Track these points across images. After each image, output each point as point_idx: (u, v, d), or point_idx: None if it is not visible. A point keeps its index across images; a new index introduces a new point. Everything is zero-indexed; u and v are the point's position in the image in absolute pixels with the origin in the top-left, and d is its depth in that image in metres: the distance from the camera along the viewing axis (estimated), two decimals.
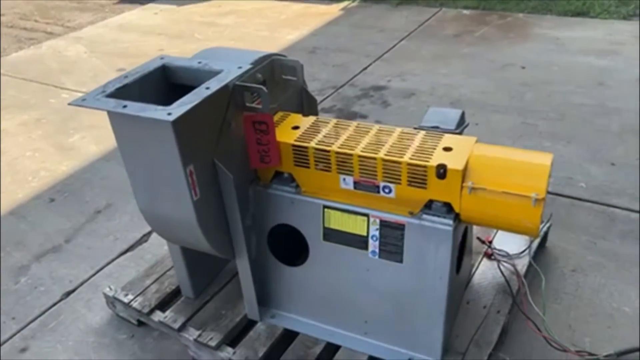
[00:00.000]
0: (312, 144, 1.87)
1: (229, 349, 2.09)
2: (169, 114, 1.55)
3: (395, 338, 2.01)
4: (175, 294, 2.38)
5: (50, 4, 7.81)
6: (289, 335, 2.14)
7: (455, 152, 1.77)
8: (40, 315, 2.54)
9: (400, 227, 1.82)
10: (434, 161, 1.72)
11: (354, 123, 2.00)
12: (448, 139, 1.85)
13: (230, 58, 1.92)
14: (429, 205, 1.79)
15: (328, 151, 1.84)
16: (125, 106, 1.62)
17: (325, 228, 1.96)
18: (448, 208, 1.77)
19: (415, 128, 1.97)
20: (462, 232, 1.94)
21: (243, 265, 2.05)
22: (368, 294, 1.99)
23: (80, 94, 2.19)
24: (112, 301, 2.43)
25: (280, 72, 2.06)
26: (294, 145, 1.89)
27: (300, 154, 1.90)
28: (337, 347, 2.06)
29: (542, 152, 1.85)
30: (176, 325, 2.20)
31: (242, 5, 6.95)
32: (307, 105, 2.27)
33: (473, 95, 4.17)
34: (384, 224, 1.85)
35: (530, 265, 2.37)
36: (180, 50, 5.40)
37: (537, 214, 1.67)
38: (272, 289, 2.18)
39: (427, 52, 5.03)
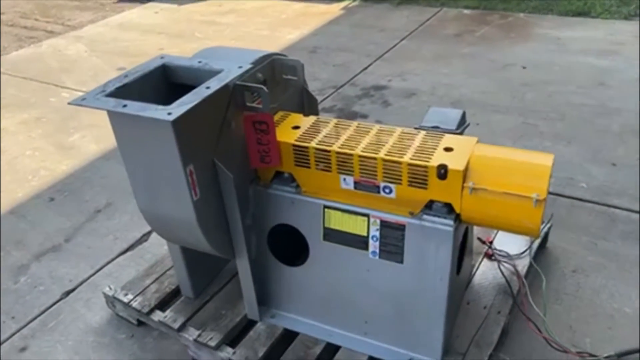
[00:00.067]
0: (313, 144, 1.87)
1: (229, 349, 2.09)
2: (169, 113, 1.55)
3: (395, 338, 2.00)
4: (175, 293, 2.38)
5: (50, 3, 7.81)
6: (289, 336, 2.14)
7: (456, 153, 1.76)
8: (39, 315, 2.54)
9: (401, 228, 1.82)
10: (434, 161, 1.72)
11: (355, 123, 2.00)
12: (449, 139, 1.85)
13: (231, 57, 1.92)
14: (429, 206, 1.79)
15: (328, 151, 1.84)
16: (125, 106, 1.62)
17: (325, 228, 1.95)
18: (449, 208, 1.76)
19: (415, 128, 1.97)
20: (462, 233, 1.94)
21: (243, 265, 2.05)
22: (368, 295, 1.99)
23: (80, 93, 2.20)
24: (111, 301, 2.43)
25: (280, 71, 2.05)
26: (294, 145, 1.89)
27: (300, 154, 1.89)
28: (337, 348, 2.06)
29: (543, 152, 1.85)
30: (176, 325, 2.19)
31: (243, 4, 6.95)
32: (307, 105, 2.27)
33: (474, 95, 4.17)
34: (384, 224, 1.85)
35: (530, 266, 2.37)
36: (181, 50, 5.40)
37: (538, 214, 1.67)
38: (272, 289, 2.18)
39: (427, 51, 5.03)
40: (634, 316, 2.25)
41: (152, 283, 2.43)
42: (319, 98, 3.82)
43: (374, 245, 1.89)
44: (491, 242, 2.43)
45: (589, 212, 2.86)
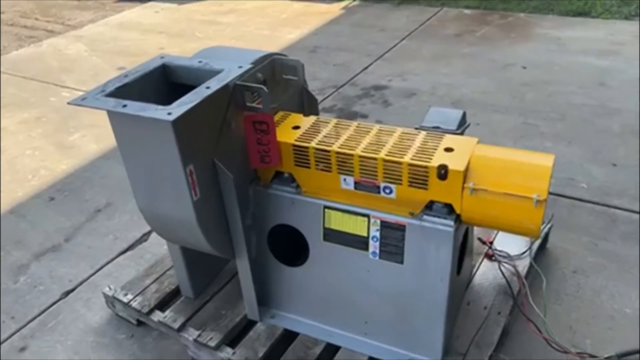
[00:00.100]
0: (313, 144, 1.86)
1: (229, 349, 2.09)
2: (169, 113, 1.54)
3: (395, 339, 2.00)
4: (174, 293, 2.38)
5: (50, 2, 7.80)
6: (289, 336, 2.13)
7: (457, 153, 1.76)
8: (39, 315, 2.54)
9: (401, 228, 1.82)
10: (435, 162, 1.71)
11: (355, 123, 1.99)
12: (449, 140, 1.84)
13: (231, 57, 1.91)
14: (429, 206, 1.78)
15: (328, 151, 1.84)
16: (125, 106, 1.61)
17: (325, 228, 1.95)
18: (449, 209, 1.76)
19: (416, 128, 1.97)
20: (463, 233, 1.93)
21: (243, 265, 2.05)
22: (368, 295, 1.98)
23: (80, 93, 2.19)
24: (111, 301, 2.42)
25: (281, 71, 2.05)
26: (294, 145, 1.89)
27: (300, 154, 1.89)
28: (337, 348, 2.05)
29: (543, 153, 1.84)
30: (176, 325, 2.19)
31: (243, 4, 6.95)
32: (307, 105, 2.26)
33: (474, 95, 4.16)
34: (384, 225, 1.84)
35: (531, 266, 2.37)
36: (181, 49, 5.40)
37: (538, 215, 1.66)
38: (272, 289, 2.17)
39: (428, 51, 5.02)
40: (634, 317, 2.25)
41: (152, 283, 2.42)
42: (319, 98, 3.83)
43: (374, 245, 1.89)
44: (491, 243, 2.42)
45: (589, 212, 2.86)
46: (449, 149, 1.78)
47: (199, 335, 2.13)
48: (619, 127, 3.58)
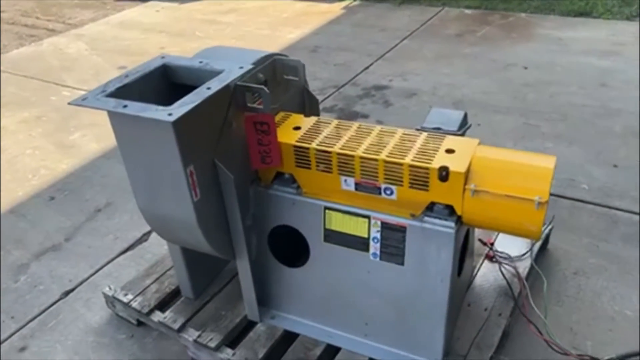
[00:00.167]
0: (314, 144, 1.86)
1: (229, 350, 2.08)
2: (170, 114, 1.54)
3: (395, 340, 2.00)
4: (175, 294, 2.37)
5: (51, 1, 7.80)
6: (289, 337, 2.13)
7: (458, 154, 1.76)
8: (39, 315, 2.53)
9: (402, 229, 1.81)
10: (436, 163, 1.71)
11: (356, 124, 1.99)
12: (450, 141, 1.84)
13: (232, 58, 1.91)
14: (430, 208, 1.78)
15: (329, 152, 1.83)
16: (125, 106, 1.61)
17: (326, 229, 1.95)
18: (450, 210, 1.76)
19: (417, 129, 1.96)
20: (464, 235, 1.93)
21: (243, 266, 2.05)
22: (369, 296, 1.98)
23: (81, 92, 2.19)
24: (111, 301, 2.42)
25: (281, 72, 2.05)
26: (295, 146, 1.88)
27: (301, 154, 1.89)
28: (337, 349, 2.05)
29: (545, 154, 1.84)
30: (176, 326, 2.19)
31: (244, 3, 6.94)
32: (308, 105, 2.26)
33: (475, 95, 4.16)
34: (385, 226, 1.84)
35: (531, 268, 2.36)
36: (182, 49, 5.39)
37: (539, 217, 1.66)
38: (272, 289, 2.17)
39: (429, 51, 5.02)
40: (634, 319, 2.25)
41: (152, 283, 2.42)
42: (319, 98, 3.82)
43: (374, 246, 1.88)
44: (492, 244, 2.42)
45: (590, 213, 2.85)
46: (450, 150, 1.78)
47: (199, 336, 2.13)
48: (620, 128, 3.57)
